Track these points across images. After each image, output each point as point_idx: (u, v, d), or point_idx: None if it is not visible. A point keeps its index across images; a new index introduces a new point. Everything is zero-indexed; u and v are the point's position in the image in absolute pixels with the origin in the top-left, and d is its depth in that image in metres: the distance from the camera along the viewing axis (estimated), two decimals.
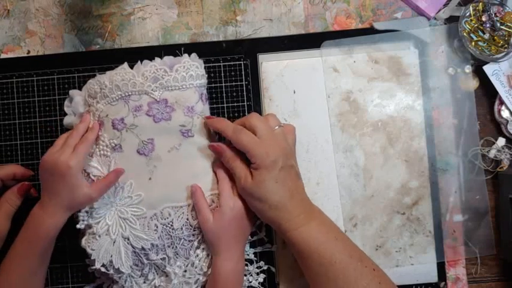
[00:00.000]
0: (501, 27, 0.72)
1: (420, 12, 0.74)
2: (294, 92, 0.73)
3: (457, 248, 0.73)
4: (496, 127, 0.75)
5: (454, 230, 0.73)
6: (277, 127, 0.66)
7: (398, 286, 0.72)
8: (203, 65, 0.72)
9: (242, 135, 0.65)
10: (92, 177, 0.68)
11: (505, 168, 0.73)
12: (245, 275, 0.72)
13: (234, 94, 0.74)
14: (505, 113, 0.73)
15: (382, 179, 0.73)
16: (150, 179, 0.69)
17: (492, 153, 0.74)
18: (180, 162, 0.69)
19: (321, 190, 0.73)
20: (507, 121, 0.73)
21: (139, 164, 0.69)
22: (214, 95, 0.74)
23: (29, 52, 0.75)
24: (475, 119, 0.74)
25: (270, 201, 0.64)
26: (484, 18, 0.72)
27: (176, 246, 0.69)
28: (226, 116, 0.74)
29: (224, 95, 0.74)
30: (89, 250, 0.67)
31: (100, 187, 0.66)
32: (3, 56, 0.75)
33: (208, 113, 0.72)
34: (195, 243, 0.70)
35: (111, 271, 0.68)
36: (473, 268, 0.74)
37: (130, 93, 0.69)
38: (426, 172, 0.73)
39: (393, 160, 0.73)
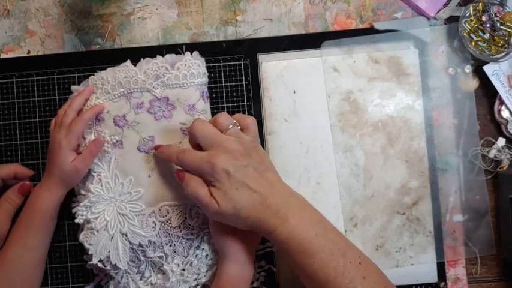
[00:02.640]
0: (501, 27, 0.72)
1: (420, 12, 0.74)
2: (294, 92, 0.73)
3: (457, 248, 0.73)
4: (496, 127, 0.75)
5: (454, 230, 0.73)
6: (231, 126, 0.63)
7: (398, 286, 0.72)
8: (205, 63, 0.72)
9: (184, 157, 0.63)
10: (93, 173, 0.69)
11: (505, 168, 0.73)
12: None
13: (234, 94, 0.74)
14: (505, 113, 0.73)
15: (382, 179, 0.73)
16: (149, 176, 0.70)
17: (492, 153, 0.74)
18: None
19: (321, 190, 0.73)
20: (507, 121, 0.73)
21: (139, 160, 0.70)
22: (214, 95, 0.74)
23: (29, 52, 0.75)
24: (475, 119, 0.74)
25: (241, 211, 0.60)
26: (484, 18, 0.72)
27: (174, 244, 0.70)
28: None
29: (224, 95, 0.74)
30: (86, 245, 0.67)
31: (84, 157, 0.67)
32: (3, 56, 0.75)
33: (209, 111, 0.72)
34: (195, 243, 0.70)
35: (108, 267, 0.68)
36: (473, 268, 0.74)
37: (132, 91, 0.70)
38: (426, 172, 0.73)
39: (393, 160, 0.73)
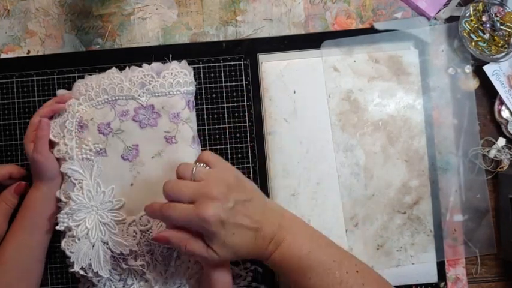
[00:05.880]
0: (501, 27, 0.72)
1: (420, 13, 0.75)
2: (294, 92, 0.73)
3: (457, 247, 0.73)
4: (496, 127, 0.75)
5: (454, 229, 0.73)
6: (193, 169, 0.60)
7: (398, 286, 0.72)
8: (192, 72, 0.72)
9: (170, 213, 0.59)
10: (73, 181, 0.69)
11: (505, 168, 0.73)
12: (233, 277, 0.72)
13: (234, 94, 0.74)
14: (505, 113, 0.73)
15: (383, 179, 0.73)
16: (132, 184, 0.69)
17: (492, 153, 0.74)
18: (162, 170, 0.69)
19: (321, 190, 0.73)
20: (507, 121, 0.73)
21: (123, 169, 0.69)
22: (214, 95, 0.74)
23: (29, 52, 0.75)
24: (475, 119, 0.74)
25: (240, 252, 0.60)
26: (484, 19, 0.72)
27: (156, 253, 0.69)
28: (226, 116, 0.74)
29: (224, 95, 0.74)
30: (68, 253, 0.67)
31: (36, 146, 0.67)
32: (3, 56, 0.75)
33: (194, 120, 0.72)
34: (175, 254, 0.69)
35: (90, 274, 0.68)
36: (473, 268, 0.74)
37: (117, 98, 0.70)
38: (426, 171, 0.73)
39: (394, 159, 0.73)
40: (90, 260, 0.67)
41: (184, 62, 0.72)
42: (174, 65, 0.71)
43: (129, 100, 0.70)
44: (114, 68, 0.71)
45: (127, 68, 0.71)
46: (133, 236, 0.68)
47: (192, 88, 0.71)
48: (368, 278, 0.60)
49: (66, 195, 0.68)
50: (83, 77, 0.73)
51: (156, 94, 0.70)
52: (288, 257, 0.60)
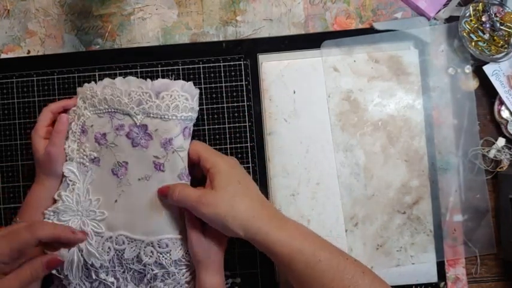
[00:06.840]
0: (501, 27, 0.72)
1: (420, 13, 0.75)
2: (294, 92, 0.74)
3: (457, 247, 0.73)
4: (496, 127, 0.75)
5: (454, 229, 0.73)
6: None
7: (398, 286, 0.72)
8: (197, 97, 0.69)
9: (197, 144, 0.68)
10: (68, 182, 0.69)
11: (504, 168, 0.73)
12: None
13: (234, 94, 0.74)
14: (505, 113, 0.73)
15: (383, 179, 0.73)
16: (116, 201, 0.68)
17: (492, 153, 0.74)
18: (146, 195, 0.67)
19: (321, 190, 0.73)
20: (507, 121, 0.73)
21: (111, 183, 0.68)
22: (214, 95, 0.74)
23: (29, 52, 0.75)
24: (475, 119, 0.74)
25: (238, 206, 0.61)
26: (484, 19, 0.72)
27: (126, 273, 0.69)
28: (226, 116, 0.74)
29: (224, 95, 0.74)
30: (45, 250, 0.66)
31: (52, 138, 0.68)
32: (3, 56, 0.75)
33: (187, 149, 0.68)
34: (145, 280, 0.68)
35: (62, 276, 0.68)
36: (473, 268, 0.74)
37: (116, 111, 0.68)
38: (426, 171, 0.73)
39: (393, 159, 0.73)
40: (64, 262, 0.67)
41: (190, 84, 0.68)
42: (177, 86, 0.67)
43: (126, 116, 0.68)
44: (118, 78, 0.69)
45: (130, 77, 0.69)
46: (107, 252, 0.68)
47: (191, 114, 0.67)
48: (365, 268, 0.61)
49: (59, 194, 0.69)
50: (83, 77, 0.73)
51: (151, 115, 0.66)
52: (295, 236, 0.61)
